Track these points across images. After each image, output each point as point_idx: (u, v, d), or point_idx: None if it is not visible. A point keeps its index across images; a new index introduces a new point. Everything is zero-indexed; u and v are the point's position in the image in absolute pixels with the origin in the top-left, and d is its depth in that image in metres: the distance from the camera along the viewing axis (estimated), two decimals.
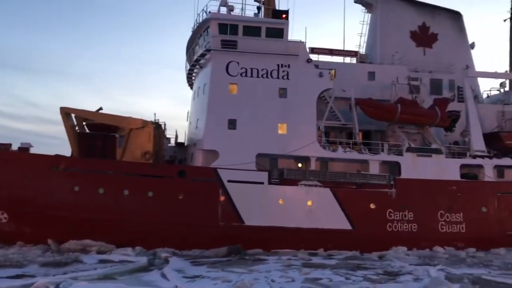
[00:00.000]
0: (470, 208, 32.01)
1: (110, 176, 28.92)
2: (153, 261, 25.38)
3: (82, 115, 31.73)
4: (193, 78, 38.05)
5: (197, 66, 34.76)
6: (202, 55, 32.52)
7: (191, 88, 40.51)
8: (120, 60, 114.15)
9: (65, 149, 33.19)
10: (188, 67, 36.31)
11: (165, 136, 35.02)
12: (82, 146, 30.95)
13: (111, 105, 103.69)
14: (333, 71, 32.44)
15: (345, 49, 38.40)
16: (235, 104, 30.97)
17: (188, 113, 38.52)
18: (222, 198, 29.55)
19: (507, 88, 42.66)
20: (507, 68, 43.59)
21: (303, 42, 32.45)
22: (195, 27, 34.60)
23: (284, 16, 32.08)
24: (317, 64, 33.12)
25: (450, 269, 24.79)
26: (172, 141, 36.54)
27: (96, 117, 31.70)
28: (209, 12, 32.51)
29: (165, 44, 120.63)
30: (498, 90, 42.56)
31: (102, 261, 24.87)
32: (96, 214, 28.05)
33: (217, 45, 31.29)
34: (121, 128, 31.48)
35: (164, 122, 34.33)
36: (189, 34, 35.80)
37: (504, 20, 45.18)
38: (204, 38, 32.70)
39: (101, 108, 32.45)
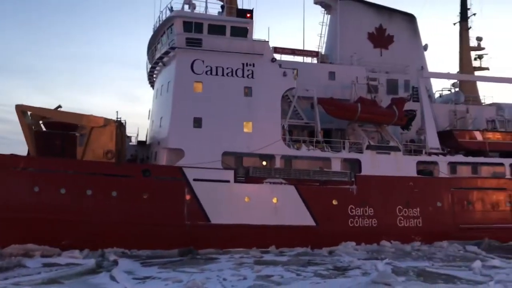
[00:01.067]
0: (426, 203, 33.50)
1: (72, 176, 28.09)
2: (101, 263, 24.71)
3: (40, 113, 30.65)
4: (154, 76, 37.59)
5: (160, 64, 34.34)
6: (166, 53, 32.16)
7: (152, 86, 40.02)
8: (64, 57, 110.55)
9: (11, 148, 31.95)
10: (150, 65, 35.81)
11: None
12: (40, 145, 29.93)
13: (53, 102, 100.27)
14: (296, 70, 32.98)
15: (305, 49, 39.12)
16: (200, 102, 30.88)
17: (149, 111, 38.00)
18: (187, 197, 29.42)
19: (457, 88, 44.98)
20: (458, 69, 45.99)
21: (267, 41, 32.83)
22: (158, 25, 34.19)
23: (248, 15, 32.28)
24: (280, 64, 33.58)
25: (396, 263, 25.68)
26: (133, 140, 35.97)
27: (55, 115, 30.71)
28: (171, 8, 32.27)
29: (112, 41, 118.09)
30: (449, 90, 44.80)
31: (46, 265, 23.90)
32: (58, 215, 27.18)
33: (182, 43, 31.09)
34: (80, 126, 30.65)
35: (125, 120, 33.75)
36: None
37: (454, 24, 47.61)
38: (168, 35, 32.38)
39: (60, 106, 31.52)
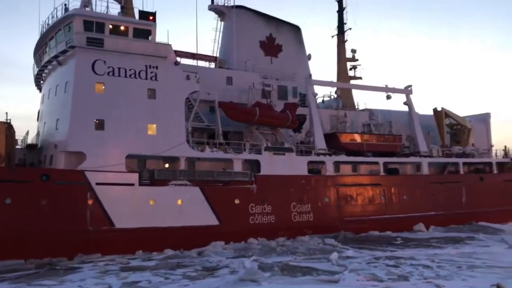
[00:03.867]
0: (316, 199, 36.75)
1: None
2: None
3: None
4: (44, 76, 35.41)
5: (54, 63, 32.45)
6: (63, 52, 30.63)
7: (38, 85, 37.62)
8: None
9: None
10: (40, 65, 33.67)
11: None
12: None
13: None
14: (198, 74, 33.84)
15: (205, 54, 40.14)
16: (102, 104, 30.04)
17: (39, 113, 35.62)
18: (90, 201, 28.49)
19: (335, 95, 49.81)
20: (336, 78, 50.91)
21: (170, 44, 33.13)
22: (51, 22, 32.38)
23: (151, 18, 32.25)
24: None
25: (262, 259, 26.58)
26: (20, 143, 33.41)
27: None
28: (65, 7, 30.95)
29: None
30: (329, 96, 49.40)
31: None
32: None
33: (82, 42, 29.94)
34: None
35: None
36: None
37: (332, 36, 52.67)
38: (65, 34, 30.84)
39: None
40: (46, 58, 33.26)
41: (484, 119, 55.07)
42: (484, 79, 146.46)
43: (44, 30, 33.60)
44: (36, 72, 35.54)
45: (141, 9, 33.29)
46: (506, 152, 50.63)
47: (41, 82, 37.00)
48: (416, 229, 39.91)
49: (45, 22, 33.84)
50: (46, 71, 34.51)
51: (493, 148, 51.74)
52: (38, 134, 34.74)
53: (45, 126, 32.87)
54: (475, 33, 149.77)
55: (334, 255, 26.79)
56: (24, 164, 32.40)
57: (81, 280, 21.92)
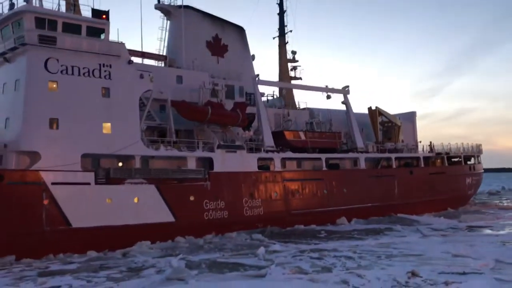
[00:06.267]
0: (265, 194, 38.45)
1: None
2: None
3: None
4: None
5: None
6: (12, 49, 29.73)
7: None
8: None
9: None
10: None
11: None
12: None
13: None
14: (152, 73, 34.17)
15: (154, 53, 40.34)
16: (56, 102, 29.55)
17: None
18: (46, 201, 28.06)
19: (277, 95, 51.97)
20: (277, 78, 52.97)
21: (123, 43, 33.22)
22: None
23: (104, 16, 32.10)
24: None
25: (190, 257, 26.56)
26: None
27: None
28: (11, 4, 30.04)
29: None
30: (272, 96, 51.34)
31: None
32: None
33: (34, 40, 29.23)
34: None
35: None
36: None
37: (274, 38, 54.67)
38: (14, 30, 29.93)
39: None
40: None
41: (410, 117, 59.94)
42: (409, 79, 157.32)
43: None
44: None
45: (84, 5, 33.11)
46: (431, 148, 55.43)
47: None
48: (339, 222, 41.65)
49: None
50: None
51: (420, 144, 56.51)
52: None
53: None
54: (402, 36, 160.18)
55: (261, 250, 27.16)
56: None
57: None
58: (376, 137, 52.00)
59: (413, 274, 20.80)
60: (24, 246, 26.70)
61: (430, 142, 56.14)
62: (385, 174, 48.12)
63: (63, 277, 22.47)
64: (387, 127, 54.50)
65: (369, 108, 52.93)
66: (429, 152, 55.17)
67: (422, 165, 52.84)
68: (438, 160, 55.32)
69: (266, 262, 24.88)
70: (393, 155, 50.12)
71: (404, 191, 48.22)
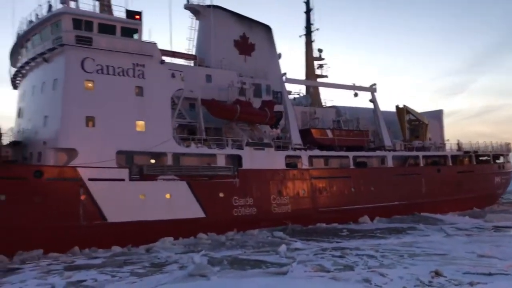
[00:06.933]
0: (293, 191, 38.82)
1: None
2: None
3: None
4: (23, 72, 35.25)
5: (37, 60, 32.48)
6: (51, 50, 30.84)
7: (14, 81, 37.30)
8: None
9: None
10: (24, 60, 33.55)
11: None
12: None
13: None
14: (182, 72, 34.94)
15: (183, 52, 41.15)
16: (92, 101, 30.55)
17: (19, 110, 35.42)
18: (83, 197, 29.07)
19: (303, 93, 52.21)
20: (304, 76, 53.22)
21: (156, 43, 34.02)
22: (35, 19, 32.42)
23: (137, 16, 32.96)
24: None
25: (212, 254, 26.73)
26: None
27: None
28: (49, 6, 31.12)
29: None
30: (298, 94, 51.59)
31: None
32: None
33: (71, 40, 30.29)
34: None
35: None
36: None
37: (300, 36, 54.97)
38: (52, 31, 31.03)
39: None
40: (29, 55, 33.21)
41: (437, 115, 59.45)
42: (432, 75, 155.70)
43: (26, 27, 33.53)
44: (16, 69, 35.28)
45: (117, 6, 34.03)
46: (459, 146, 54.88)
47: (19, 79, 36.81)
48: (361, 221, 41.34)
49: (25, 19, 33.80)
50: (27, 67, 34.39)
51: (447, 142, 56.04)
52: (19, 131, 34.56)
53: (30, 123, 32.84)
54: (425, 31, 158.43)
55: (283, 248, 27.35)
56: (9, 161, 32.29)
57: (22, 282, 21.03)
58: (403, 135, 51.83)
59: (437, 273, 20.48)
60: (61, 240, 27.70)
61: (458, 141, 55.66)
62: (413, 173, 47.93)
63: (88, 272, 22.98)
64: (414, 125, 54.23)
65: (397, 106, 52.78)
66: (457, 150, 54.63)
67: (450, 164, 52.38)
68: (466, 159, 54.77)
69: (288, 260, 24.97)
70: (420, 154, 49.85)
71: (431, 190, 47.95)
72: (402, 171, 47.53)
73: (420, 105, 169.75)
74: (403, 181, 46.08)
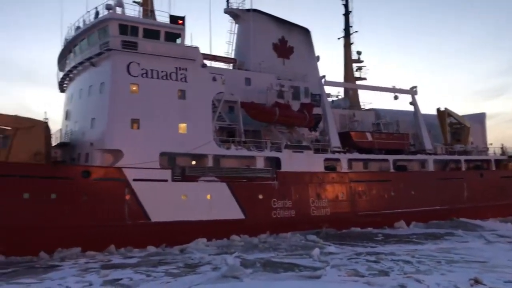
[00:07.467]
0: (332, 194, 38.70)
1: (5, 179, 26.72)
2: None
3: None
4: (70, 76, 36.67)
5: (85, 64, 33.73)
6: (98, 54, 31.98)
7: (61, 84, 38.78)
8: None
9: None
10: (72, 65, 34.92)
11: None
12: None
13: None
14: (223, 76, 35.51)
15: (223, 56, 41.79)
16: (137, 104, 31.48)
17: (67, 112, 36.86)
18: (127, 197, 29.95)
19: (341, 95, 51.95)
20: (342, 78, 52.95)
21: (198, 47, 34.69)
22: (82, 25, 33.72)
23: (180, 22, 33.75)
24: None
25: (244, 256, 26.62)
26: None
27: None
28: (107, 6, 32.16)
29: None
30: (336, 96, 51.41)
31: None
32: None
33: (118, 45, 31.34)
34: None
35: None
36: None
37: (338, 39, 54.73)
38: (99, 36, 32.19)
39: None
40: (76, 59, 34.52)
41: (480, 118, 57.83)
42: (472, 77, 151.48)
43: (73, 33, 34.88)
44: (64, 73, 36.74)
45: (159, 11, 34.90)
46: (503, 150, 53.27)
47: (66, 83, 38.28)
48: (397, 225, 40.62)
49: (73, 26, 35.17)
50: (74, 71, 35.74)
51: (490, 146, 54.50)
52: (66, 132, 35.93)
53: (77, 125, 34.11)
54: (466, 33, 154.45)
55: (316, 251, 27.05)
56: (58, 162, 33.66)
57: (61, 278, 21.64)
58: (444, 139, 50.75)
59: (476, 281, 19.72)
60: (105, 239, 28.64)
61: (502, 145, 54.01)
62: (455, 177, 46.87)
63: (124, 271, 23.35)
64: (456, 129, 53.02)
65: (438, 109, 51.77)
66: (501, 154, 53.03)
67: (494, 168, 50.90)
68: (511, 164, 53.06)
69: (321, 264, 24.72)
70: (462, 157, 48.72)
71: (473, 195, 46.75)
72: (443, 175, 46.56)
73: (460, 108, 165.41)
74: (444, 185, 45.14)
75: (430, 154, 46.49)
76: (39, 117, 31.07)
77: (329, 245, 30.96)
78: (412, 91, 48.53)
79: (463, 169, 48.48)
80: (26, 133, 29.20)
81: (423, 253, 28.31)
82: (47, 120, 31.10)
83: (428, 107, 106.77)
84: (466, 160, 49.08)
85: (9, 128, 29.14)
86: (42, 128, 30.13)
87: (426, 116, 50.46)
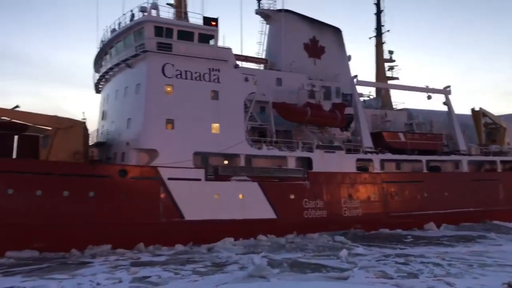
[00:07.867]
0: (364, 195, 38.46)
1: (45, 177, 27.70)
2: None
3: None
4: (106, 77, 37.64)
5: (121, 65, 34.57)
6: (135, 56, 32.75)
7: (97, 85, 39.80)
8: None
9: None
10: (109, 66, 35.83)
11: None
12: None
13: None
14: (255, 76, 35.78)
15: (255, 56, 42.06)
16: (171, 104, 32.08)
17: (103, 112, 37.86)
18: (162, 195, 30.58)
19: (373, 95, 51.47)
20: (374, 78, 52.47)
21: (230, 48, 35.09)
22: (118, 28, 34.58)
23: (214, 23, 34.20)
24: None
25: (271, 255, 26.58)
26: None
27: (15, 116, 29.77)
28: (143, 8, 32.86)
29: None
30: (368, 96, 50.97)
31: None
32: (34, 219, 26.75)
33: (153, 47, 32.01)
34: (35, 127, 30.11)
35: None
36: None
37: (370, 38, 54.27)
38: (135, 38, 32.96)
39: (17, 106, 30.57)
40: (112, 61, 35.41)
41: None
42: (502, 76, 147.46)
43: (109, 35, 35.80)
44: (100, 74, 37.75)
45: (191, 13, 35.40)
46: None
47: (102, 84, 39.31)
48: (427, 227, 39.95)
49: (109, 28, 36.10)
50: (110, 73, 36.67)
51: None
52: (102, 132, 36.92)
53: (113, 125, 35.00)
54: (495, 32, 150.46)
55: (344, 252, 26.90)
56: (95, 161, 34.64)
57: (92, 275, 22.05)
58: (479, 139, 49.64)
59: (510, 285, 19.06)
60: (142, 236, 29.30)
61: None
62: (490, 178, 45.85)
63: (153, 268, 23.64)
64: (491, 129, 51.75)
65: (473, 109, 50.71)
66: None
67: None
68: None
69: (349, 265, 24.46)
70: (498, 158, 47.59)
71: (509, 197, 45.64)
72: (478, 176, 45.60)
73: (495, 108, 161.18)
74: (478, 186, 44.22)
75: (464, 155, 45.59)
76: (77, 117, 32.14)
77: (357, 246, 30.78)
78: (446, 91, 47.68)
79: (499, 170, 47.33)
80: (66, 132, 30.16)
81: (454, 255, 27.64)
82: (85, 120, 32.13)
83: (461, 107, 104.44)
84: (502, 161, 47.90)
85: (49, 128, 30.20)
86: (80, 128, 31.07)
87: (460, 116, 49.47)
